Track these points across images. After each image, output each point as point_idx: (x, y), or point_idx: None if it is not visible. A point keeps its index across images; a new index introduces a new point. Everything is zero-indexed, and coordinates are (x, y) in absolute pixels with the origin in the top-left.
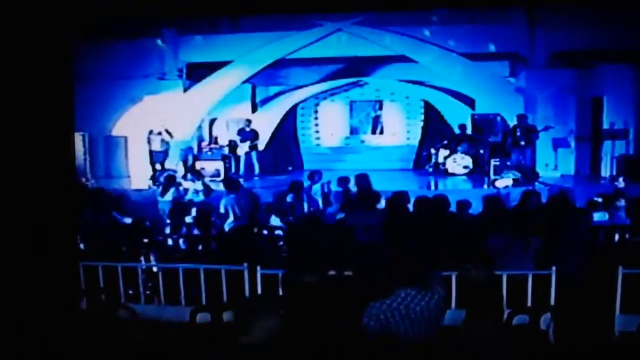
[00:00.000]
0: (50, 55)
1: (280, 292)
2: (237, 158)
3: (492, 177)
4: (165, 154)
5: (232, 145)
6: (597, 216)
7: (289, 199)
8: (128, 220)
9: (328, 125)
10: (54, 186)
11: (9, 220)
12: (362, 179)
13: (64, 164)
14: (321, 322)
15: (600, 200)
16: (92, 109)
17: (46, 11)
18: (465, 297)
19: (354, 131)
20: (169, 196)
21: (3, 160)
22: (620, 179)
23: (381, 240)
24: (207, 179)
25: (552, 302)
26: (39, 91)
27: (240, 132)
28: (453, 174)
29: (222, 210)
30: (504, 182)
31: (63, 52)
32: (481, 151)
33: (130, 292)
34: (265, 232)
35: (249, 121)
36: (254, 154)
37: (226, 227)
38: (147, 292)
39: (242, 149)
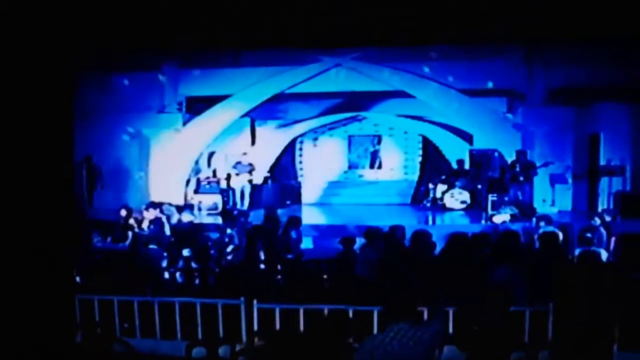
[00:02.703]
0: (52, 88)
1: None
2: (233, 191)
3: (490, 212)
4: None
5: (229, 179)
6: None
7: (293, 234)
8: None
9: (327, 160)
10: (52, 219)
11: (7, 253)
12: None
13: (63, 197)
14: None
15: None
16: (92, 141)
17: (49, 45)
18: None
19: (352, 165)
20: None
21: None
22: (605, 215)
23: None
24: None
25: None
26: (40, 124)
27: (237, 165)
28: (451, 209)
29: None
30: (502, 217)
31: (65, 85)
32: (479, 186)
33: (126, 325)
34: (262, 266)
35: (244, 154)
36: (246, 187)
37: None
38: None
39: (238, 181)
